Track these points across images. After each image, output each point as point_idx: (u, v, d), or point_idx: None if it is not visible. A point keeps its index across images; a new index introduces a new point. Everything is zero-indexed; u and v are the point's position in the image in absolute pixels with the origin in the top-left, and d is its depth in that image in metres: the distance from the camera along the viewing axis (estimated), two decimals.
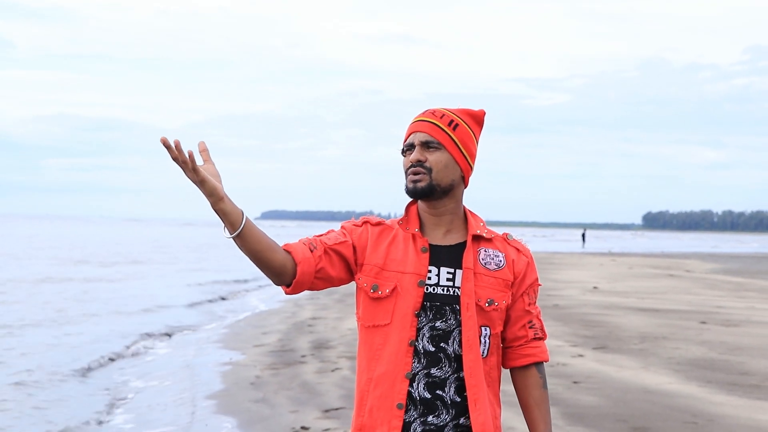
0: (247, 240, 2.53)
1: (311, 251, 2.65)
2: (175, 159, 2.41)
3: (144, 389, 9.86)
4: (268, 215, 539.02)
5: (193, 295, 21.99)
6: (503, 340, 2.78)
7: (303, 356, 11.42)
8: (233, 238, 2.52)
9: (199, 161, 2.53)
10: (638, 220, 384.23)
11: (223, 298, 21.52)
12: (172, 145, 2.41)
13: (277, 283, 2.66)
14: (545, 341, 2.82)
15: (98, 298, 20.60)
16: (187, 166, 2.43)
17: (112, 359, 11.93)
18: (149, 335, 14.29)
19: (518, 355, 2.77)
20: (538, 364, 2.77)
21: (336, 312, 16.42)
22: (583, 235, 79.63)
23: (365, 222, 2.80)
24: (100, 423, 8.34)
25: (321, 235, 2.75)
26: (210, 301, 20.72)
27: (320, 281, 2.69)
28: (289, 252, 2.64)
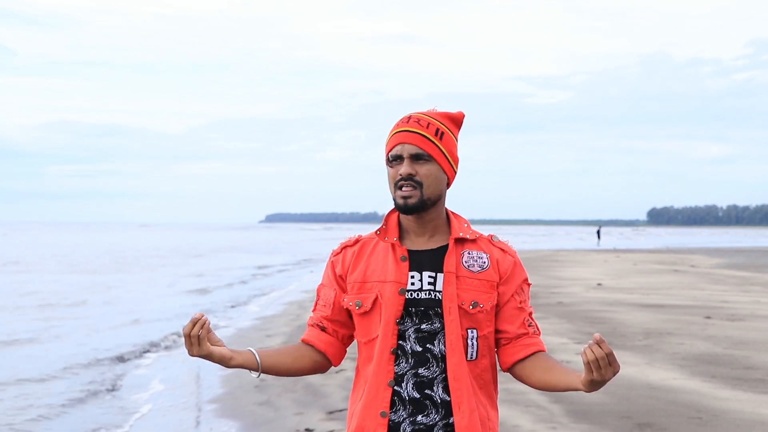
0: (271, 370, 2.73)
1: (324, 330, 2.81)
2: (190, 339, 2.56)
3: (148, 394, 9.86)
4: (272, 218, 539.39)
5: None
6: (502, 338, 2.73)
7: None
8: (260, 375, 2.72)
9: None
10: (643, 216, 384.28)
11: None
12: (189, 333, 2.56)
13: (319, 372, 2.85)
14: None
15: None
16: (196, 343, 2.57)
17: (116, 363, 11.94)
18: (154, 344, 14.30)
19: (520, 347, 2.71)
20: (541, 352, 2.74)
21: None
22: (598, 232, 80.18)
23: (344, 248, 2.83)
24: (105, 428, 8.34)
25: (317, 304, 2.85)
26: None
27: (350, 341, 2.86)
28: (311, 345, 2.80)
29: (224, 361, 2.62)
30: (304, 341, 2.80)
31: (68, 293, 23.04)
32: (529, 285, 2.78)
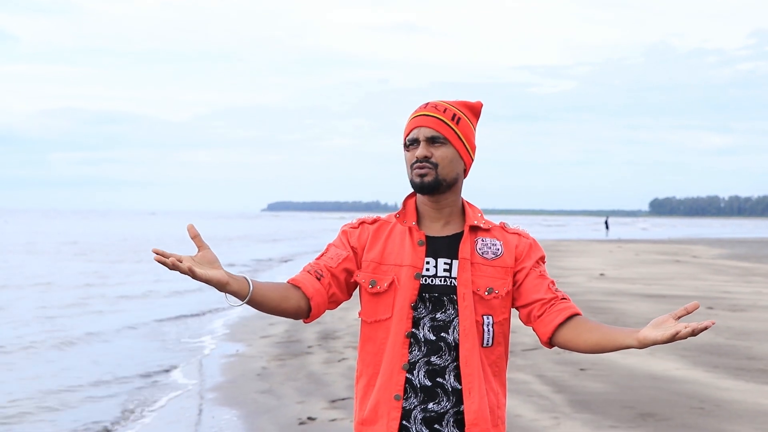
0: (255, 303, 2.59)
1: (319, 279, 2.72)
2: (174, 269, 2.41)
3: (151, 382, 9.88)
4: (274, 207, 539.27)
5: None
6: (534, 308, 2.72)
7: (309, 347, 11.43)
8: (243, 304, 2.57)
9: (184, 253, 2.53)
10: (645, 207, 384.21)
11: None
12: (168, 261, 2.40)
13: (295, 319, 2.74)
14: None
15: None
16: (186, 272, 2.43)
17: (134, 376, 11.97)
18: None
19: (556, 312, 2.69)
20: (579, 315, 2.70)
21: (342, 303, 16.42)
22: (606, 223, 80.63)
23: (361, 222, 2.83)
24: (106, 419, 8.36)
25: (322, 256, 2.79)
26: None
27: (333, 304, 2.78)
28: (298, 287, 2.70)
29: (220, 286, 2.50)
30: (293, 283, 2.71)
31: (74, 288, 22.84)
32: (545, 262, 2.80)
